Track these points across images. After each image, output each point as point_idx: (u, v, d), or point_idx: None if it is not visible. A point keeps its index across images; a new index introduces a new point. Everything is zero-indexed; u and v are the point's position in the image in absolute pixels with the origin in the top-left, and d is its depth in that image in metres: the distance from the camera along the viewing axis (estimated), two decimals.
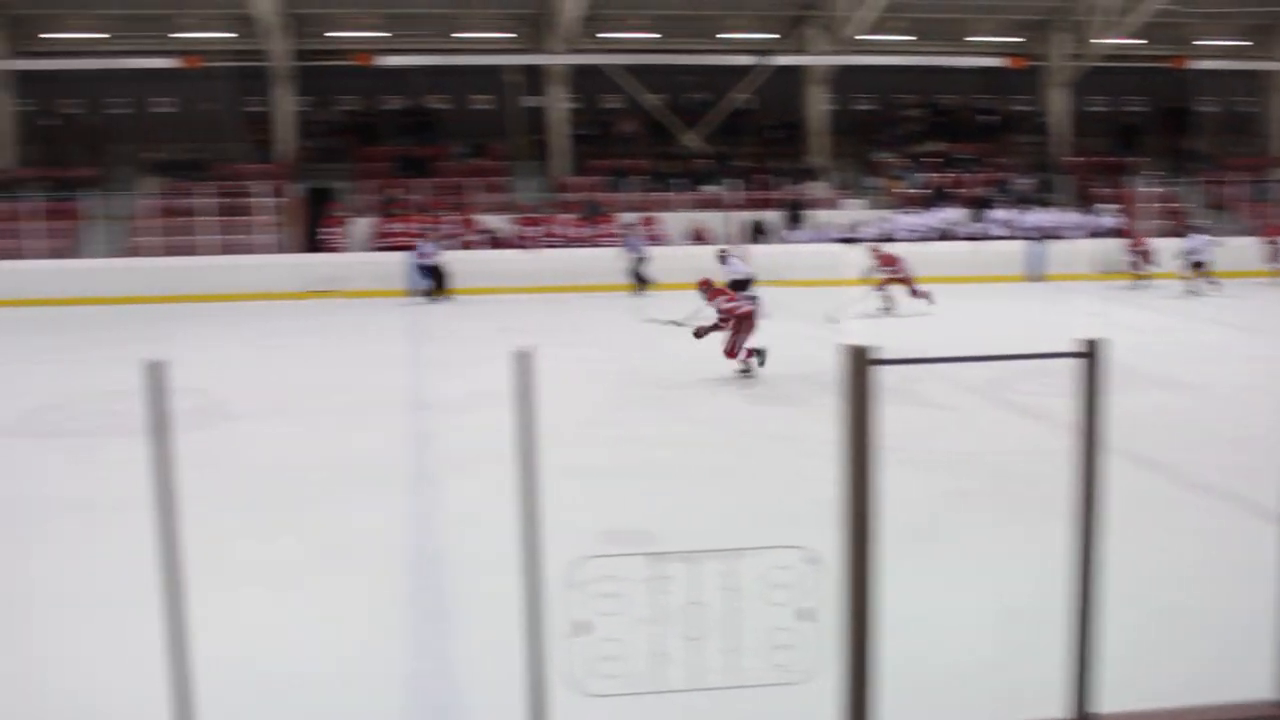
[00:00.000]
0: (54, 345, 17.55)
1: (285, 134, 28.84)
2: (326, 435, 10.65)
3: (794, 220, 26.96)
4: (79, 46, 27.86)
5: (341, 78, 29.04)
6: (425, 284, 22.34)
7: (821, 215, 27.34)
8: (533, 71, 29.59)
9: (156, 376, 2.97)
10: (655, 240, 25.36)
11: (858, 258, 20.29)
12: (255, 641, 5.52)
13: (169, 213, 25.74)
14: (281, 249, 25.32)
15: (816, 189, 28.84)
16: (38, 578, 6.66)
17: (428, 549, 7.15)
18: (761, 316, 13.11)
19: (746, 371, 12.87)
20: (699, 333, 12.98)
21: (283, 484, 8.77)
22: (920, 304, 18.70)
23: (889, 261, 19.17)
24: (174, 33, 27.66)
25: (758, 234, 26.26)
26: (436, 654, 5.48)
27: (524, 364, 3.05)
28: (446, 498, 8.42)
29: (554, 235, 25.68)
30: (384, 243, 25.24)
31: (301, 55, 28.32)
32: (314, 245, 25.42)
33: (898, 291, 19.03)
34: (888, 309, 18.83)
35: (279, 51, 27.96)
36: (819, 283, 22.55)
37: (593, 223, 25.87)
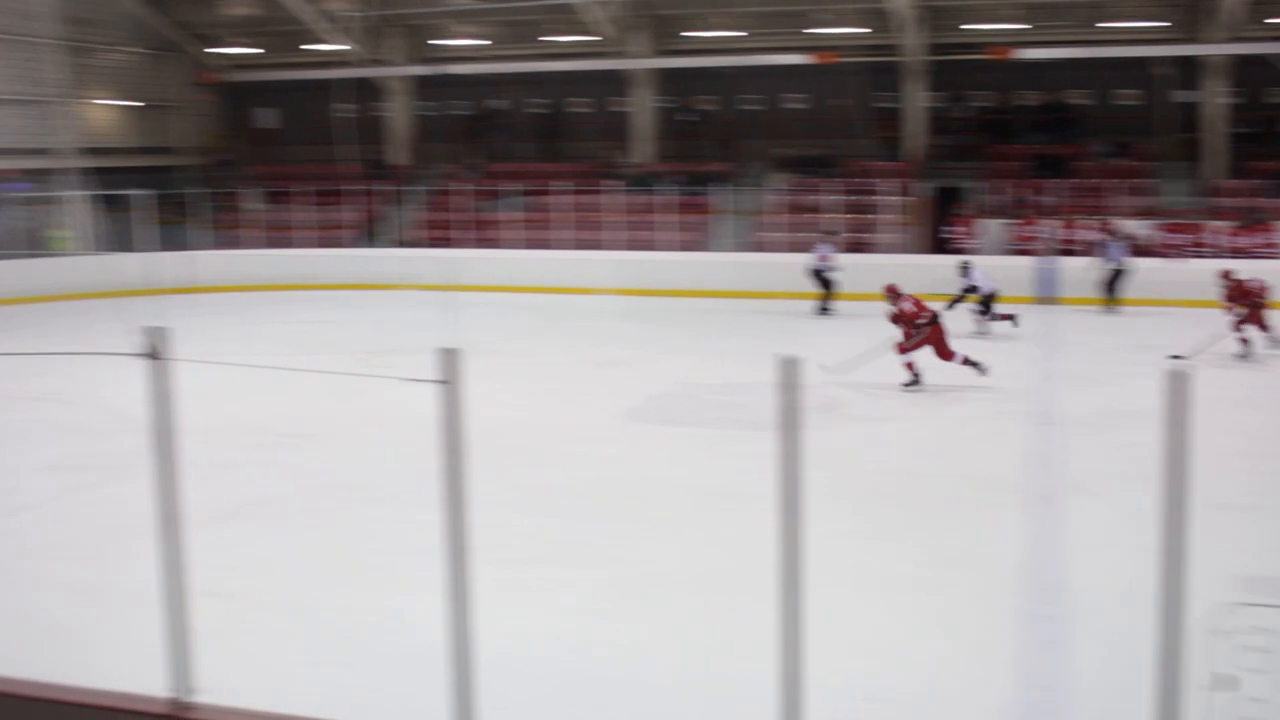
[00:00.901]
0: (680, 336, 18.50)
1: (914, 130, 28.72)
2: (945, 443, 10.72)
3: None
4: (717, 45, 29.50)
5: (975, 72, 28.50)
6: (822, 289, 21.29)
7: None
8: (1186, 63, 27.34)
9: (790, 373, 3.03)
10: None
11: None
12: (859, 647, 5.57)
13: (795, 209, 26.48)
14: (906, 249, 25.13)
15: None
16: (658, 558, 7.05)
17: (1048, 572, 6.83)
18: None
19: (916, 382, 12.78)
20: (902, 349, 12.91)
21: (901, 490, 8.94)
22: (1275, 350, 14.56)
23: (1244, 293, 14.59)
24: (808, 28, 28.46)
25: None
26: (1047, 687, 5.17)
27: (1177, 385, 2.75)
28: (1071, 519, 8.12)
29: (1204, 244, 23.55)
30: (1015, 246, 24.50)
31: (935, 49, 27.97)
32: (939, 246, 25.20)
33: (1253, 332, 14.65)
34: (1244, 355, 14.48)
35: (912, 45, 27.81)
36: None
37: (1251, 231, 23.53)
